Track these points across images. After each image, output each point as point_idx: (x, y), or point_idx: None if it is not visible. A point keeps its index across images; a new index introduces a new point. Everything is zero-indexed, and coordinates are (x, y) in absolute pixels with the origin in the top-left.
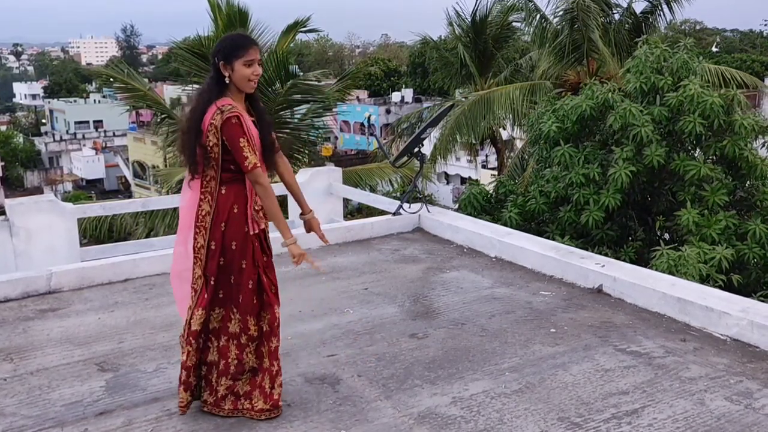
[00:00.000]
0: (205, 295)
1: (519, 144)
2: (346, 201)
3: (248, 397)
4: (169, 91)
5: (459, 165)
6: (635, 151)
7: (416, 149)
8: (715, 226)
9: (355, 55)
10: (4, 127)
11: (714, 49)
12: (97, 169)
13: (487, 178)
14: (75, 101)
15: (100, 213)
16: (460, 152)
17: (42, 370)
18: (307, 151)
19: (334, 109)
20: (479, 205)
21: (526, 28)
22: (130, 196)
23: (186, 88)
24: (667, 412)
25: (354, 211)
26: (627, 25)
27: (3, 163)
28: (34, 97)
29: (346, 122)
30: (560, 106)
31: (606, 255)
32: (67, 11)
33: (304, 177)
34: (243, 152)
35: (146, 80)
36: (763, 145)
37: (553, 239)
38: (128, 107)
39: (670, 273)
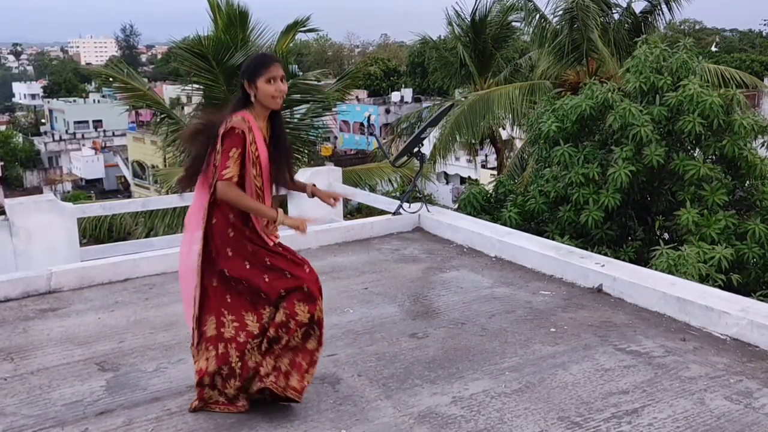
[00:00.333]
0: (213, 302)
1: (518, 144)
2: (345, 201)
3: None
4: (168, 91)
5: (458, 165)
6: (635, 150)
7: (416, 149)
8: (715, 225)
9: (355, 55)
10: (3, 127)
11: (713, 48)
12: (96, 169)
13: (486, 178)
14: (74, 101)
15: (99, 213)
16: (459, 152)
17: (42, 369)
18: (306, 151)
19: (333, 109)
20: (479, 204)
21: (526, 28)
22: (129, 196)
23: (186, 87)
24: (667, 411)
25: (354, 210)
26: (626, 25)
27: (3, 163)
28: (33, 96)
29: (345, 122)
30: (560, 106)
31: (605, 255)
32: (67, 11)
33: (303, 177)
34: (227, 161)
35: (146, 80)
36: (763, 145)
37: (553, 239)
38: (128, 107)
39: (670, 273)
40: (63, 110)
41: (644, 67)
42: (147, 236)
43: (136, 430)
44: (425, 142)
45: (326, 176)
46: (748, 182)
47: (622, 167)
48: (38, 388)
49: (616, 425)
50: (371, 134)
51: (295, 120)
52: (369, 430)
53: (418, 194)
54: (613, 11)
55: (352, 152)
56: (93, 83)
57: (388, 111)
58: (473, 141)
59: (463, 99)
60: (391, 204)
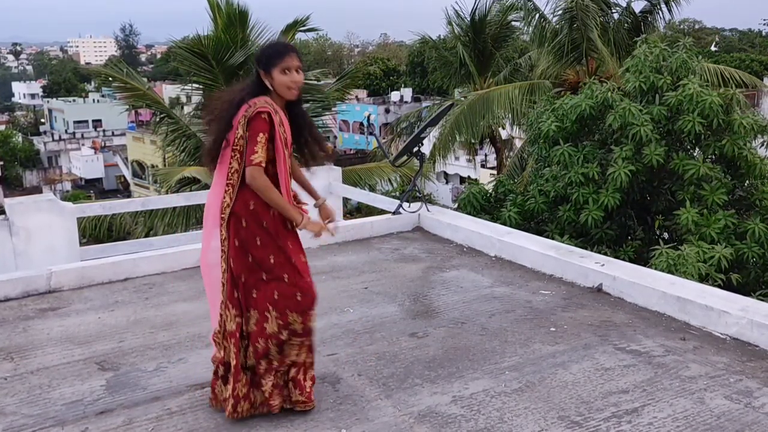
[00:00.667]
0: (235, 294)
1: (518, 143)
2: (345, 200)
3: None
4: (168, 91)
5: (458, 164)
6: (634, 150)
7: (415, 148)
8: (714, 225)
9: (354, 55)
10: (3, 127)
11: (713, 48)
12: (96, 169)
13: (486, 178)
14: (74, 101)
15: (99, 212)
16: (459, 151)
17: (42, 369)
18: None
19: (333, 109)
20: (478, 204)
21: (525, 28)
22: (129, 196)
23: (185, 87)
24: (667, 410)
25: (353, 210)
26: (626, 25)
27: (2, 163)
28: (32, 96)
29: (345, 121)
30: (559, 106)
31: (605, 254)
32: (67, 11)
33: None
34: (255, 146)
35: (145, 79)
36: (762, 145)
37: (553, 238)
38: (127, 106)
39: (670, 272)
40: (62, 110)
41: (644, 66)
42: (147, 236)
43: (136, 430)
44: (425, 141)
45: (326, 176)
46: (747, 182)
47: (621, 167)
48: (38, 388)
49: (616, 424)
50: (371, 134)
51: None
52: (369, 430)
53: (417, 194)
54: (613, 11)
55: (352, 152)
56: (92, 83)
57: (387, 111)
58: (473, 140)
59: (462, 99)
60: (390, 203)
